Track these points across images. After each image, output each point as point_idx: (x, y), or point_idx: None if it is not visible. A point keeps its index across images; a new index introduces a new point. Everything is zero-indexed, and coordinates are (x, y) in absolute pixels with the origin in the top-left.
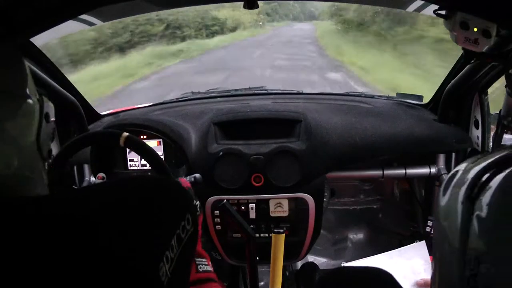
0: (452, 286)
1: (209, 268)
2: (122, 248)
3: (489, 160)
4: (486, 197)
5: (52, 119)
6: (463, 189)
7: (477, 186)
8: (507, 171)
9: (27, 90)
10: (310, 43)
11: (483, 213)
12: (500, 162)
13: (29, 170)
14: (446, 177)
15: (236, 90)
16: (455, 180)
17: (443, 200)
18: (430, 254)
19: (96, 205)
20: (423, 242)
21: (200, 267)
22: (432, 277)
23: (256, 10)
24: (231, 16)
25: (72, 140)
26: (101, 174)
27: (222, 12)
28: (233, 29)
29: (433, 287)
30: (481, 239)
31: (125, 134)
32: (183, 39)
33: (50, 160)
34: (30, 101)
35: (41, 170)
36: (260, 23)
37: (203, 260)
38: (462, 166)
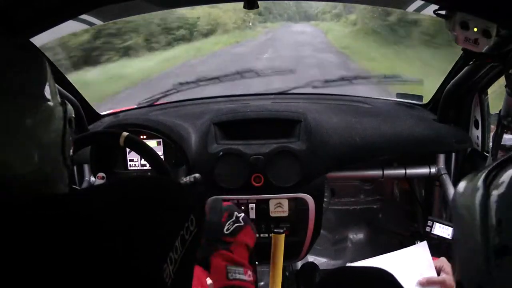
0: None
1: (245, 277)
2: (125, 248)
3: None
4: (501, 177)
5: (73, 125)
6: (481, 176)
7: (491, 174)
8: None
9: (46, 91)
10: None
11: (500, 191)
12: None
13: (51, 168)
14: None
15: (225, 76)
16: (469, 176)
17: (460, 190)
18: (432, 255)
19: (100, 205)
20: (425, 242)
21: (231, 275)
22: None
23: (244, 9)
24: (207, 14)
25: (77, 137)
26: (101, 174)
27: (196, 10)
28: (208, 33)
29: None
30: (498, 215)
31: (125, 133)
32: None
33: (71, 165)
34: (50, 103)
35: (63, 169)
36: (250, 24)
37: (239, 269)
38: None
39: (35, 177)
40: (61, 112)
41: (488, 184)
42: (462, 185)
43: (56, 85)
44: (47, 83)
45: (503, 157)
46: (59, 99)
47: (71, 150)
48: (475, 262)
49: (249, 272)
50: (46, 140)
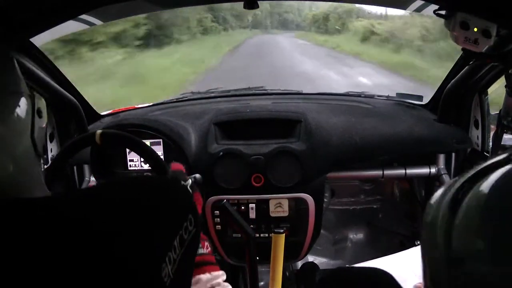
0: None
1: (204, 250)
2: (124, 248)
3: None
4: (466, 202)
5: (45, 114)
6: (448, 196)
7: (461, 192)
8: (483, 181)
9: (20, 88)
10: None
11: (463, 216)
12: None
13: (25, 173)
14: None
15: (236, 90)
16: (440, 192)
17: (430, 209)
18: None
19: (98, 205)
20: None
21: None
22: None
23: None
24: None
25: (55, 158)
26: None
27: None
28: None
29: None
30: (461, 239)
31: (99, 131)
32: None
33: (45, 156)
34: (22, 98)
35: (38, 171)
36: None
37: None
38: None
39: (11, 180)
40: (29, 103)
41: (456, 201)
42: (436, 194)
43: (56, 85)
44: (10, 75)
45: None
46: (26, 91)
47: (44, 140)
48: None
49: (206, 243)
50: (16, 140)
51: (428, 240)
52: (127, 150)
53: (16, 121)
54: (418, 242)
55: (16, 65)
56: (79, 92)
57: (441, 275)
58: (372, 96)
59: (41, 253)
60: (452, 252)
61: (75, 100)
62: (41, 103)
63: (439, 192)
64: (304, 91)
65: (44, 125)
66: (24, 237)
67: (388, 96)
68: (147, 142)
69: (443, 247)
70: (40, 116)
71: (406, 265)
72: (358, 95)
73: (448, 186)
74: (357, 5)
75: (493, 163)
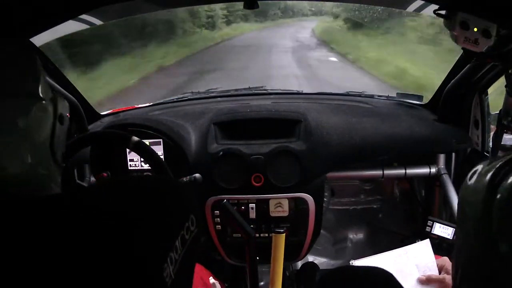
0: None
1: None
2: (125, 248)
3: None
4: (507, 183)
5: (66, 122)
6: (488, 176)
7: (499, 175)
8: None
9: (40, 89)
10: None
11: (504, 196)
12: None
13: (44, 168)
14: (473, 170)
15: (236, 90)
16: (478, 171)
17: (468, 187)
18: (435, 253)
19: (100, 205)
20: (427, 240)
21: None
22: (454, 268)
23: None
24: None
25: (81, 136)
26: (107, 173)
27: None
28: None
29: (455, 276)
30: (500, 221)
31: (135, 138)
32: None
33: (64, 164)
34: (43, 100)
35: (55, 169)
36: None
37: None
38: (481, 165)
39: (27, 177)
40: (51, 108)
41: (495, 185)
42: (471, 179)
43: (55, 84)
44: (37, 80)
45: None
46: (50, 95)
47: (64, 148)
48: (475, 268)
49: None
50: (37, 139)
51: (465, 220)
52: (127, 150)
53: (33, 126)
54: (418, 241)
55: (40, 67)
56: (79, 92)
57: (475, 256)
58: (372, 96)
59: (45, 250)
60: (490, 232)
61: (75, 100)
62: (64, 109)
63: (475, 175)
64: (304, 91)
65: (65, 132)
66: (28, 235)
67: (388, 96)
68: (147, 142)
69: (481, 227)
70: (61, 123)
71: (407, 260)
72: (358, 94)
73: (485, 168)
74: None
75: None
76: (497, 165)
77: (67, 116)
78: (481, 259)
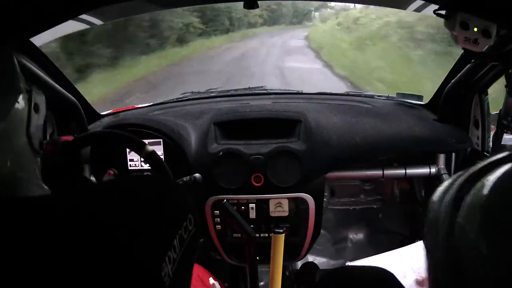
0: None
1: None
2: (123, 247)
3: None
4: (468, 201)
5: (43, 110)
6: (450, 194)
7: (462, 190)
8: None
9: (17, 85)
10: None
11: (464, 214)
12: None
13: (22, 168)
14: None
15: (236, 90)
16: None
17: (432, 206)
18: None
19: (98, 204)
20: (422, 242)
21: None
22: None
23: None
24: None
25: (96, 132)
26: (113, 170)
27: None
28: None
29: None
30: (462, 238)
31: (150, 148)
32: None
33: (41, 151)
34: (20, 95)
35: (35, 168)
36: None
37: None
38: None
39: (7, 181)
40: (25, 98)
41: (458, 200)
42: (438, 191)
43: (56, 84)
44: (6, 72)
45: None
46: (25, 87)
47: (41, 137)
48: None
49: None
50: (14, 142)
51: (430, 238)
52: (127, 150)
53: (11, 116)
54: (418, 241)
55: (15, 61)
56: (79, 92)
57: (442, 273)
58: (372, 96)
59: (43, 251)
60: (452, 251)
61: (75, 100)
62: (40, 99)
63: (441, 189)
64: (304, 91)
65: (42, 121)
66: (25, 235)
67: (388, 96)
68: (147, 142)
69: (445, 245)
70: (36, 111)
71: (405, 261)
72: (358, 94)
73: (449, 184)
74: None
75: (493, 161)
76: (459, 183)
77: (44, 105)
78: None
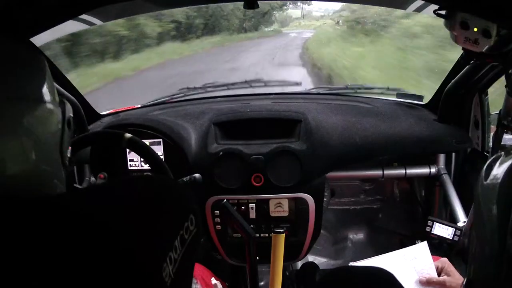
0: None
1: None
2: (125, 248)
3: None
4: None
5: (73, 124)
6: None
7: None
8: None
9: (45, 91)
10: None
11: None
12: None
13: (48, 165)
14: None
15: (233, 84)
16: (495, 166)
17: (484, 183)
18: (432, 254)
19: (100, 205)
20: (425, 242)
21: None
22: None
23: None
24: None
25: (73, 140)
26: (103, 174)
27: None
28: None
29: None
30: None
31: (127, 135)
32: None
33: (70, 167)
34: (49, 103)
35: (60, 168)
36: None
37: None
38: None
39: (32, 177)
40: (59, 112)
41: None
42: (494, 167)
43: (56, 84)
44: (45, 84)
45: None
46: (57, 99)
47: (69, 151)
48: (489, 269)
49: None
50: (44, 140)
51: (481, 213)
52: (127, 150)
53: (36, 125)
54: (418, 241)
55: (48, 71)
56: (79, 92)
57: (490, 247)
58: (371, 88)
59: (46, 251)
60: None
61: (75, 100)
62: (70, 112)
63: (494, 167)
64: (304, 91)
65: (70, 135)
66: (29, 235)
67: (388, 88)
68: (147, 142)
69: (499, 220)
70: (69, 128)
71: (408, 262)
72: (358, 88)
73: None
74: None
75: None
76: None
77: (71, 117)
78: (493, 262)
